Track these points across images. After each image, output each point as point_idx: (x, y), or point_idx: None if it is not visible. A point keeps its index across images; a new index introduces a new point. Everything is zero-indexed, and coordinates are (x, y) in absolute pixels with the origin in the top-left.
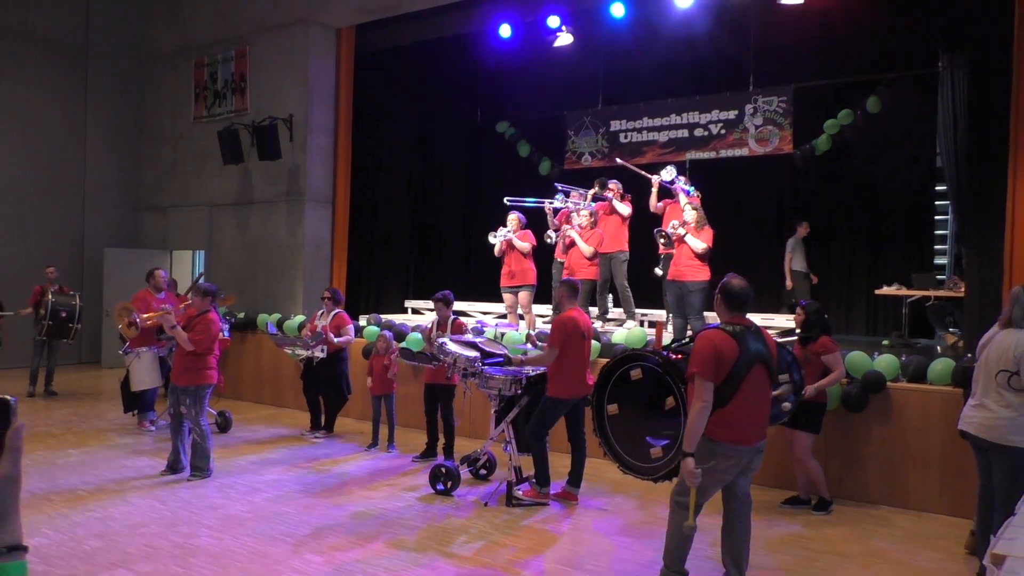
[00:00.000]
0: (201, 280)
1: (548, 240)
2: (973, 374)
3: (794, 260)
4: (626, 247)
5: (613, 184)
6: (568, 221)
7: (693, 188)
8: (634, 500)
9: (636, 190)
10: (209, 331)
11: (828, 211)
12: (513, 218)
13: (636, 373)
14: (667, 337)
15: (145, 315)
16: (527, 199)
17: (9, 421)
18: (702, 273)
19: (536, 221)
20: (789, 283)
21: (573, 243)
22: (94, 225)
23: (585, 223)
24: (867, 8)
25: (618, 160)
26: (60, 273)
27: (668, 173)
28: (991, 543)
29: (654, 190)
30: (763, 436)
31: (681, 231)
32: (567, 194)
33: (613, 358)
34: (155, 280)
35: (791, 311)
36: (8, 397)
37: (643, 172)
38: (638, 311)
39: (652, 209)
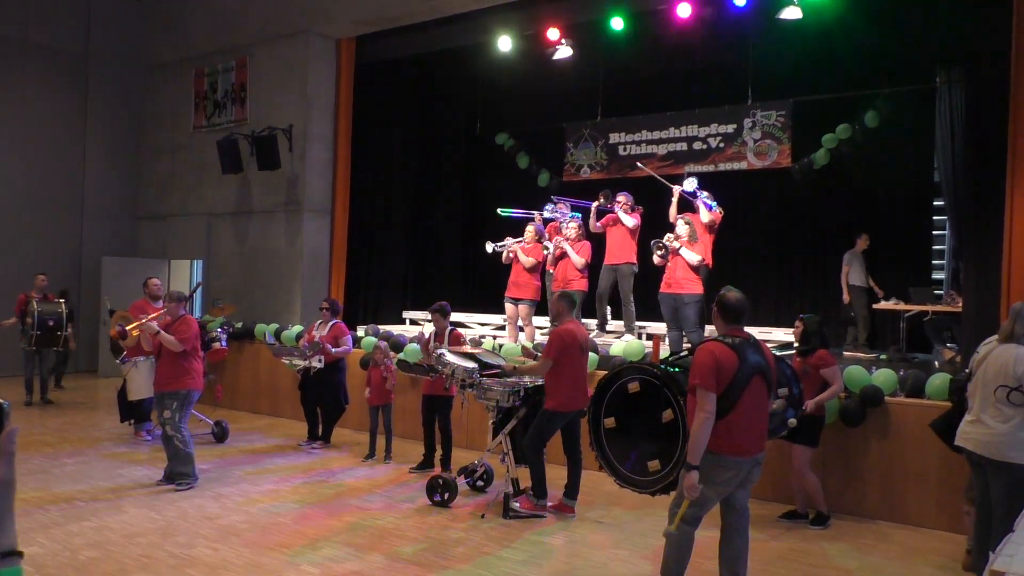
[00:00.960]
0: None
1: (545, 251)
2: (968, 389)
3: (852, 273)
4: (634, 259)
5: (623, 196)
6: (559, 232)
7: (716, 204)
8: (630, 512)
9: (653, 200)
10: (191, 329)
11: (826, 225)
12: (530, 229)
13: (634, 386)
14: (664, 350)
15: (129, 326)
16: (517, 211)
17: (2, 425)
18: (696, 286)
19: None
20: (846, 297)
21: (564, 254)
22: (92, 234)
23: (573, 235)
24: (865, 23)
25: (639, 165)
26: (51, 281)
27: (690, 184)
28: (989, 559)
29: (674, 200)
30: (762, 448)
31: (675, 244)
32: (555, 204)
33: (610, 370)
34: (149, 289)
35: (845, 326)
36: (1, 401)
37: (665, 181)
38: (636, 323)
39: (671, 220)
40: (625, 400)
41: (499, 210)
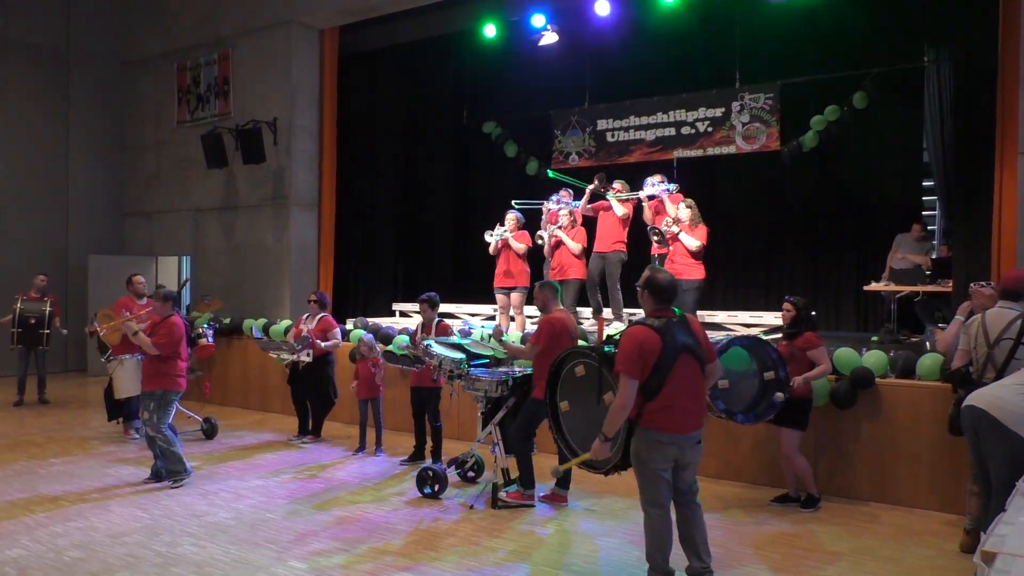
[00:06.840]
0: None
1: (540, 241)
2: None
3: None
4: (623, 248)
5: (619, 184)
6: (555, 221)
7: (673, 185)
8: (621, 501)
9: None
10: (173, 334)
11: (815, 207)
12: (511, 217)
13: (580, 370)
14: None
15: (108, 324)
16: (532, 201)
17: None
18: (696, 271)
19: (531, 221)
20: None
21: (560, 243)
22: (78, 232)
23: (565, 223)
24: (852, 3)
25: (643, 198)
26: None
27: (655, 187)
28: (982, 540)
29: (646, 204)
30: (700, 425)
31: (675, 229)
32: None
33: (559, 355)
34: (133, 286)
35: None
36: None
37: (640, 197)
38: (625, 310)
39: (651, 223)
40: (575, 383)
41: (513, 203)
